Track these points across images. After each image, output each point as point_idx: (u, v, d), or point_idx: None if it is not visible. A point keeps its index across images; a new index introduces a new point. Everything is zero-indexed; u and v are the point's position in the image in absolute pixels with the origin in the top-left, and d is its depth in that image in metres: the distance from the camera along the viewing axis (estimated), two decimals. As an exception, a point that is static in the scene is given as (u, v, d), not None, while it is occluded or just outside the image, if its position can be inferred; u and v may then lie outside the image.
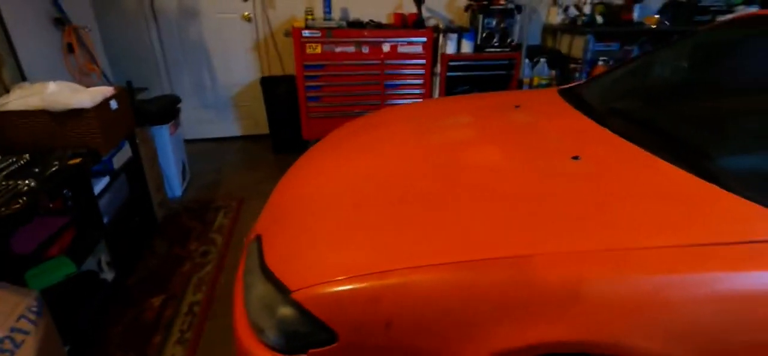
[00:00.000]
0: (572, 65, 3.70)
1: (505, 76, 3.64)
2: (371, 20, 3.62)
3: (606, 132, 1.37)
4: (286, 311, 0.95)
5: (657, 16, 3.78)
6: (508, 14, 3.52)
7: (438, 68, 3.54)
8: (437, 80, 3.58)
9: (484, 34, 3.52)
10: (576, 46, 3.84)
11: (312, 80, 3.35)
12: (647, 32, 3.76)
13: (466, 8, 3.79)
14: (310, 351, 0.92)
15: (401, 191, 1.21)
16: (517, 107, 1.83)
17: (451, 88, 3.64)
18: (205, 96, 3.82)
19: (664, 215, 0.93)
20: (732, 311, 0.80)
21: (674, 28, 3.71)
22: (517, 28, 3.62)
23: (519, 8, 3.57)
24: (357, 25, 3.44)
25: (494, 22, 3.53)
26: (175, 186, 2.78)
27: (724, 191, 0.96)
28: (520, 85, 3.70)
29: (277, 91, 3.48)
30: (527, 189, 1.11)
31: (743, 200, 0.93)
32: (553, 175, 1.16)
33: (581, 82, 2.10)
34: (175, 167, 2.73)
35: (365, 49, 3.35)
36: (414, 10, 3.59)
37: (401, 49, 3.41)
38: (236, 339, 1.06)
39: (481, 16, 3.50)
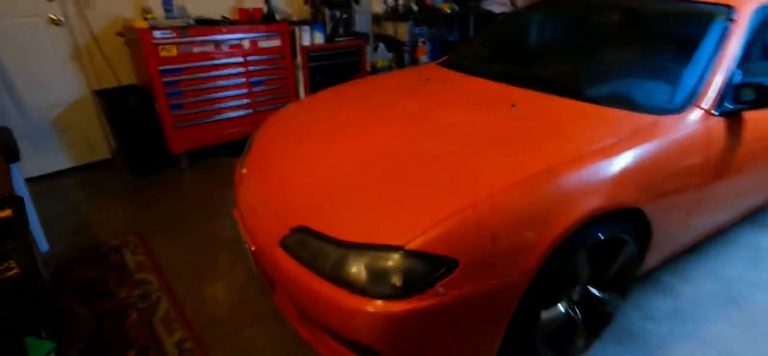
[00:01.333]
0: (404, 48, 4.41)
1: (354, 62, 4.05)
2: (225, 17, 3.44)
3: (507, 86, 1.93)
4: (405, 262, 1.14)
5: (449, 2, 4.84)
6: (347, 6, 3.92)
7: (298, 61, 3.68)
8: (300, 72, 3.72)
9: (332, 25, 3.83)
10: (400, 31, 4.56)
11: (171, 86, 3.01)
12: (446, 16, 4.79)
13: (306, 1, 4.00)
14: (438, 284, 1.14)
15: (412, 155, 1.48)
16: (427, 80, 2.27)
17: (312, 79, 3.84)
18: (10, 125, 2.90)
19: (591, 126, 1.52)
20: (640, 167, 1.42)
21: (462, 12, 4.84)
22: (356, 18, 4.06)
23: (356, 0, 4.01)
24: (210, 22, 3.23)
25: (337, 14, 3.87)
26: (41, 238, 2.14)
27: (604, 107, 1.62)
28: (374, 68, 4.19)
29: (124, 105, 2.96)
30: (506, 129, 1.55)
31: (610, 108, 1.60)
32: (511, 118, 1.65)
33: (449, 56, 2.68)
34: (36, 215, 2.10)
35: (225, 48, 3.21)
36: (254, 5, 3.57)
37: (262, 44, 3.40)
38: (343, 310, 1.17)
39: (326, 9, 3.78)
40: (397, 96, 2.10)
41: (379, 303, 1.14)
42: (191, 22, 3.15)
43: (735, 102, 1.56)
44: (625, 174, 1.35)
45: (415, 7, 4.43)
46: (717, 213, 1.81)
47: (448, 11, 4.71)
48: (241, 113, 3.43)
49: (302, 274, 1.27)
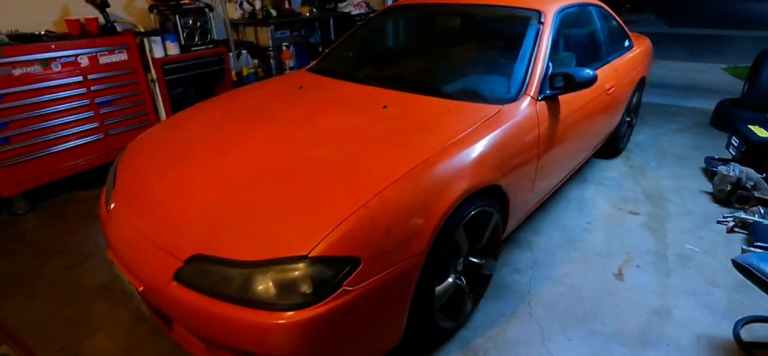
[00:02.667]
0: (269, 53, 4.31)
1: (218, 71, 3.83)
2: (49, 31, 2.91)
3: (377, 89, 2.10)
4: (311, 269, 1.19)
5: (307, 6, 4.89)
6: (200, 13, 3.68)
7: (153, 74, 3.33)
8: (157, 87, 3.37)
9: (186, 34, 3.55)
10: (262, 36, 4.45)
11: (-13, 119, 2.46)
12: (306, 20, 4.82)
13: (151, 9, 3.63)
14: (344, 284, 1.22)
15: (298, 163, 1.53)
16: (301, 87, 2.31)
17: (170, 92, 3.52)
18: None
19: (451, 119, 1.76)
20: (493, 150, 1.71)
21: (320, 15, 4.93)
22: (213, 26, 3.83)
23: (209, 6, 3.78)
24: (30, 38, 2.71)
25: (190, 21, 3.61)
26: None
27: (460, 102, 1.88)
28: (240, 78, 4.00)
29: None
30: (382, 129, 1.70)
31: (464, 102, 1.87)
32: (385, 119, 1.80)
33: (317, 61, 2.75)
34: None
35: (57, 67, 2.74)
36: (86, 15, 3.13)
37: (103, 60, 2.99)
38: (256, 329, 1.17)
39: (177, 17, 3.50)
40: (275, 106, 2.10)
41: (292, 313, 1.17)
42: (4, 39, 2.61)
43: (551, 88, 1.96)
44: (483, 157, 1.61)
45: (273, 12, 4.37)
46: (553, 176, 2.26)
47: (307, 14, 4.76)
48: (89, 139, 2.98)
49: (205, 303, 1.22)
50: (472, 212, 1.60)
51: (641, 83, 3.33)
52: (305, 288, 1.18)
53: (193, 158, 1.72)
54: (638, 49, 3.20)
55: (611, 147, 3.28)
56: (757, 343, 1.73)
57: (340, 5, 5.23)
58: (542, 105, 1.94)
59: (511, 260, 2.25)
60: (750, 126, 2.88)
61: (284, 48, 4.48)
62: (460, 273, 1.71)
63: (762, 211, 2.43)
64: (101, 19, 3.17)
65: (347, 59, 2.64)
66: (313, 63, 2.74)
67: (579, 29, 2.60)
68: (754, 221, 2.33)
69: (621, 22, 3.13)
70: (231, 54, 4.06)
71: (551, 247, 2.36)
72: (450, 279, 1.64)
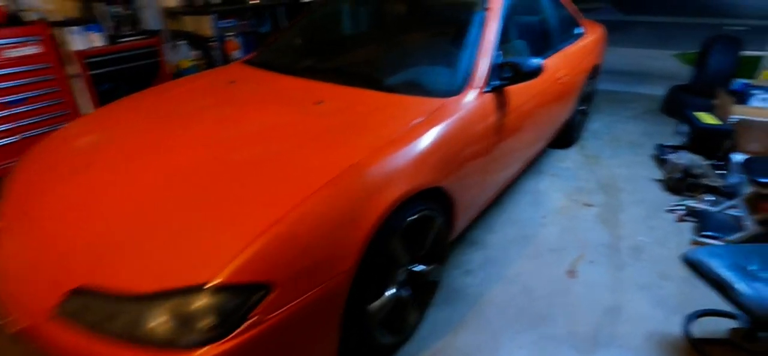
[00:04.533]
0: (211, 44, 4.01)
1: (152, 65, 3.52)
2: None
3: (315, 82, 1.92)
4: (213, 300, 1.01)
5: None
6: (129, 0, 3.35)
7: (75, 69, 2.99)
8: (79, 83, 3.04)
9: (114, 24, 3.23)
10: (203, 26, 4.13)
11: None
12: (254, 7, 4.53)
13: (72, -5, 3.27)
14: (255, 314, 1.05)
15: (214, 172, 1.34)
16: (232, 82, 2.09)
17: (98, 88, 3.18)
18: None
19: (390, 115, 1.60)
20: (434, 148, 1.57)
21: (272, 2, 4.65)
22: (146, 14, 3.51)
23: (141, -7, 3.45)
24: None
25: (118, 10, 3.28)
26: None
27: (401, 95, 1.73)
28: (179, 70, 3.69)
29: None
30: (313, 129, 1.52)
31: (405, 96, 1.72)
32: (318, 116, 1.63)
33: (257, 53, 2.53)
34: None
35: (-52, 63, 2.39)
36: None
37: (11, 54, 2.65)
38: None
39: (103, 4, 3.16)
40: (199, 104, 1.89)
41: (194, 352, 0.99)
42: None
43: (499, 79, 1.84)
44: (422, 157, 1.47)
45: (214, 0, 4.06)
46: (504, 170, 2.15)
47: (257, 2, 4.47)
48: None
49: (91, 345, 1.03)
50: (411, 219, 1.46)
51: (595, 71, 3.29)
52: (208, 322, 1.00)
53: (96, 166, 1.50)
54: (591, 36, 3.15)
55: (566, 137, 3.24)
56: (708, 339, 1.69)
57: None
58: (489, 97, 1.81)
59: (462, 262, 2.13)
60: (696, 113, 2.89)
61: (230, 38, 4.18)
62: (402, 284, 1.57)
63: (711, 198, 2.43)
64: (9, 7, 2.81)
65: (287, 50, 2.43)
66: (251, 55, 2.52)
67: (529, 16, 2.50)
68: (702, 210, 2.31)
69: (573, 10, 3.06)
70: (166, 45, 3.74)
71: (505, 244, 2.26)
72: (389, 292, 1.49)
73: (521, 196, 2.71)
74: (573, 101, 2.93)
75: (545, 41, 2.55)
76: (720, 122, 2.74)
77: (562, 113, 2.78)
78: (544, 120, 2.45)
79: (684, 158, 2.61)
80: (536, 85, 2.15)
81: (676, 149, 2.97)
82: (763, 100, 3.62)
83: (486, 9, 2.00)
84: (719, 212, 2.29)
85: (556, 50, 2.56)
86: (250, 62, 2.38)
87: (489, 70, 1.83)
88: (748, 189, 1.98)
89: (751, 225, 1.97)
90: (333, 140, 1.44)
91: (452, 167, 1.62)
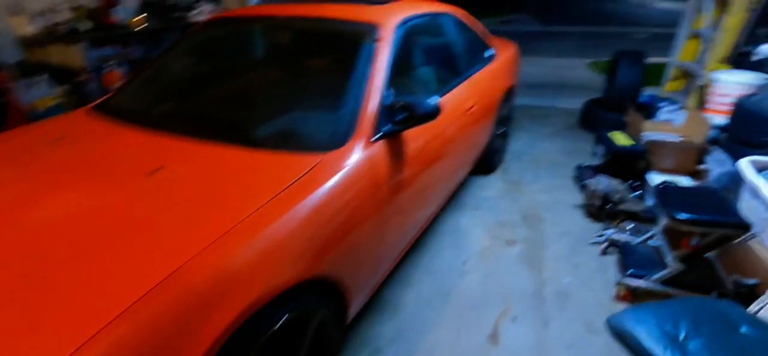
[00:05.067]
0: (82, 78, 3.39)
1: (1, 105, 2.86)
2: None
3: (163, 137, 1.49)
4: None
5: (142, 16, 4.02)
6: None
7: None
8: None
9: (-68, 61, 2.56)
10: (72, 56, 3.50)
11: None
12: (139, 33, 3.96)
13: None
14: None
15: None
16: (58, 140, 1.61)
17: None
18: None
19: (247, 183, 1.23)
20: (307, 224, 1.22)
21: (163, 26, 4.10)
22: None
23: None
24: None
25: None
26: None
27: (267, 151, 1.36)
28: (36, 113, 3.03)
29: None
30: (139, 211, 1.11)
31: (273, 152, 1.36)
32: (153, 189, 1.21)
33: (111, 94, 2.05)
34: None
35: None
36: None
37: None
38: None
39: None
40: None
41: None
42: None
43: (391, 123, 1.53)
44: (289, 242, 1.11)
45: (83, 27, 3.46)
46: (408, 227, 1.85)
47: (142, 27, 3.90)
48: None
49: None
50: (276, 325, 1.09)
51: (510, 93, 3.14)
52: None
53: None
54: (503, 57, 2.99)
55: (487, 162, 3.05)
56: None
57: (190, 14, 4.44)
58: (381, 146, 1.50)
59: (370, 338, 1.79)
60: (610, 134, 2.82)
61: (108, 68, 3.59)
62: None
63: (632, 226, 2.30)
64: None
65: (143, 92, 1.97)
66: (102, 98, 2.02)
67: (430, 44, 2.25)
68: (625, 243, 2.17)
69: (482, 32, 2.87)
70: (21, 82, 3.09)
71: (421, 304, 1.96)
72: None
73: (441, 236, 2.44)
74: (488, 129, 2.74)
75: (452, 69, 2.31)
76: (633, 143, 2.67)
77: (475, 146, 2.56)
78: (455, 158, 2.20)
79: (602, 183, 2.49)
80: (442, 122, 1.89)
81: (594, 171, 2.87)
82: (669, 112, 3.71)
83: (376, 40, 1.70)
84: (641, 243, 2.15)
85: (465, 78, 2.33)
86: (99, 108, 1.90)
87: (378, 113, 1.52)
88: (665, 221, 1.85)
89: (672, 262, 1.82)
90: (163, 228, 1.04)
91: (334, 244, 1.28)
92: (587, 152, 3.41)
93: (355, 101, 1.52)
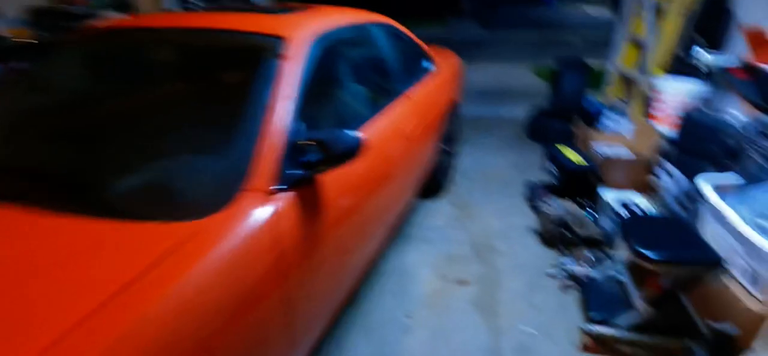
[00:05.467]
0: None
1: None
2: None
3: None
4: None
5: (28, 28, 3.38)
6: None
7: None
8: None
9: None
10: (-74, 77, 2.82)
11: None
12: (24, 47, 3.32)
13: None
14: None
15: None
16: None
17: None
18: None
19: (90, 276, 0.82)
20: (179, 325, 0.83)
21: (52, 39, 3.48)
22: None
23: None
24: None
25: None
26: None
27: (120, 223, 0.95)
28: None
29: None
30: None
31: (127, 222, 0.94)
32: None
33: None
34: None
35: None
36: None
37: None
38: None
39: None
40: None
41: None
42: None
43: (301, 167, 1.17)
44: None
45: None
46: (335, 283, 1.48)
47: (26, 40, 3.27)
48: None
49: None
50: None
51: (454, 107, 2.88)
52: None
53: None
54: (444, 70, 2.72)
55: (434, 185, 2.76)
56: None
57: (88, 24, 3.82)
58: (286, 199, 1.13)
59: None
60: (560, 148, 2.62)
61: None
62: None
63: (591, 256, 2.09)
64: None
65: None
66: None
67: (359, 60, 1.92)
68: (586, 279, 1.94)
69: (418, 42, 2.57)
70: None
71: (358, 376, 1.61)
72: None
73: (383, 279, 2.10)
74: (433, 150, 2.45)
75: (386, 87, 1.98)
76: (584, 160, 2.48)
77: (419, 171, 2.25)
78: (395, 190, 1.88)
79: (556, 206, 2.27)
80: (376, 151, 1.55)
81: (545, 189, 2.67)
82: (614, 120, 3.63)
83: (280, 56, 1.33)
84: (603, 278, 1.93)
85: (402, 96, 2.02)
86: None
87: (283, 155, 1.16)
88: (629, 256, 1.64)
89: (640, 306, 1.60)
90: None
91: (220, 343, 0.89)
92: (536, 165, 3.21)
93: (248, 140, 1.14)
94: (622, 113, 3.71)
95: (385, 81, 1.98)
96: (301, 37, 1.41)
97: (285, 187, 1.13)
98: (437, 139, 2.51)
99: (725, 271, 1.51)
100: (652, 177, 2.60)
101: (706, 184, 1.74)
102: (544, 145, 2.78)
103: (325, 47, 1.50)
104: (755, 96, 2.17)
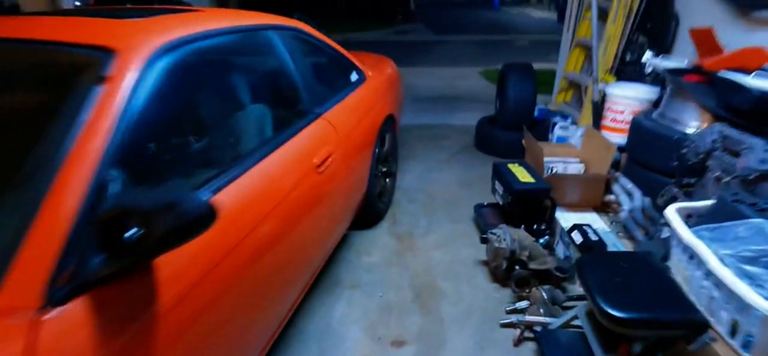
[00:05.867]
0: None
1: None
2: None
3: None
4: None
5: None
6: None
7: None
8: None
9: None
10: None
11: None
12: None
13: None
14: None
15: None
16: None
17: None
18: None
19: None
20: None
21: None
22: None
23: None
24: None
25: None
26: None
27: None
28: None
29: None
30: None
31: None
32: None
33: None
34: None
35: None
36: None
37: None
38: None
39: None
40: None
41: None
42: None
43: (119, 250, 0.74)
44: None
45: None
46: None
47: None
48: None
49: None
50: None
51: (391, 121, 2.52)
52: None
53: None
54: (377, 81, 2.36)
55: (369, 213, 2.38)
56: None
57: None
58: (78, 313, 0.70)
59: None
60: (509, 167, 2.33)
61: None
62: None
63: (546, 296, 1.78)
64: None
65: None
66: None
67: (242, 78, 1.49)
68: (542, 331, 1.63)
69: (341, 50, 2.15)
70: None
71: None
72: None
73: (303, 345, 1.69)
74: (361, 177, 2.07)
75: (291, 110, 1.57)
76: (533, 180, 2.20)
77: (338, 208, 1.85)
78: (299, 244, 1.46)
79: (506, 236, 1.95)
80: (261, 202, 1.15)
81: (495, 213, 2.37)
82: (563, 128, 3.43)
83: (100, 78, 0.89)
84: (561, 329, 1.62)
85: (314, 118, 1.61)
86: None
87: (72, 237, 0.72)
88: (588, 302, 1.34)
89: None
90: None
91: None
92: (486, 180, 2.91)
93: (9, 219, 0.70)
94: (572, 122, 3.53)
95: (289, 102, 1.57)
96: (137, 48, 0.98)
97: (71, 293, 0.70)
98: (369, 162, 2.14)
99: (714, 340, 1.24)
100: (608, 195, 2.37)
101: (674, 215, 1.47)
102: (495, 163, 2.47)
103: (178, 62, 1.07)
104: (711, 103, 1.97)
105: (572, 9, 4.14)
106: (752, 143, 1.61)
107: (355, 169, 1.94)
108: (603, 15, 3.55)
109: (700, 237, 1.35)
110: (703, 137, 1.84)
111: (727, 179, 1.71)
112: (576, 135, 3.14)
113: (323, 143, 1.58)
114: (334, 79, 1.97)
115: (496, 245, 1.94)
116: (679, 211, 1.52)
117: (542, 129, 3.50)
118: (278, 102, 1.55)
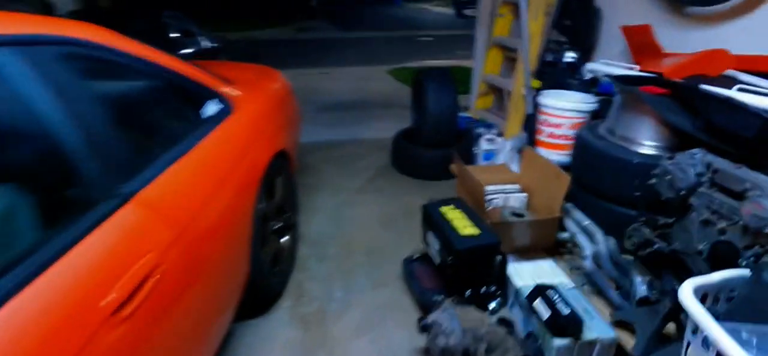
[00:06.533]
0: None
1: None
2: None
3: None
4: None
5: None
6: None
7: None
8: None
9: None
10: None
11: None
12: None
13: None
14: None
15: None
16: None
17: None
18: None
19: None
20: None
21: None
22: None
23: None
24: None
25: None
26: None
27: None
28: None
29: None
30: None
31: None
32: None
33: None
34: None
35: None
36: None
37: None
38: None
39: None
40: None
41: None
42: None
43: None
44: None
45: None
46: None
47: None
48: None
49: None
50: None
51: (282, 159, 1.81)
52: None
53: None
54: (252, 105, 1.63)
55: (259, 295, 1.67)
56: None
57: None
58: None
59: None
60: (443, 211, 1.78)
61: None
62: None
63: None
64: None
65: None
66: None
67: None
68: None
69: (184, 68, 1.34)
70: None
71: None
72: None
73: None
74: (233, 263, 1.35)
75: (51, 192, 0.81)
76: (478, 231, 1.66)
77: (201, 312, 1.12)
78: None
79: (454, 326, 1.38)
80: None
81: (429, 272, 1.81)
82: (490, 141, 3.01)
83: None
84: None
85: (116, 204, 0.86)
86: None
87: None
88: None
89: None
90: None
91: None
92: (411, 215, 2.35)
93: None
94: (495, 129, 3.14)
95: (41, 187, 0.79)
96: None
97: None
98: (248, 231, 1.42)
99: None
100: (560, 233, 1.94)
101: (699, 309, 1.00)
102: (424, 207, 1.90)
103: None
104: (686, 123, 1.59)
105: (484, 5, 3.77)
106: (758, 181, 1.22)
107: (220, 257, 1.22)
108: (515, 11, 3.21)
109: (747, 348, 0.89)
110: (683, 167, 1.44)
111: (722, 225, 1.32)
112: (505, 149, 2.73)
113: (131, 253, 0.83)
114: (168, 119, 1.22)
115: (442, 342, 1.36)
116: (696, 292, 1.06)
117: (467, 141, 3.05)
118: (21, 191, 0.77)
